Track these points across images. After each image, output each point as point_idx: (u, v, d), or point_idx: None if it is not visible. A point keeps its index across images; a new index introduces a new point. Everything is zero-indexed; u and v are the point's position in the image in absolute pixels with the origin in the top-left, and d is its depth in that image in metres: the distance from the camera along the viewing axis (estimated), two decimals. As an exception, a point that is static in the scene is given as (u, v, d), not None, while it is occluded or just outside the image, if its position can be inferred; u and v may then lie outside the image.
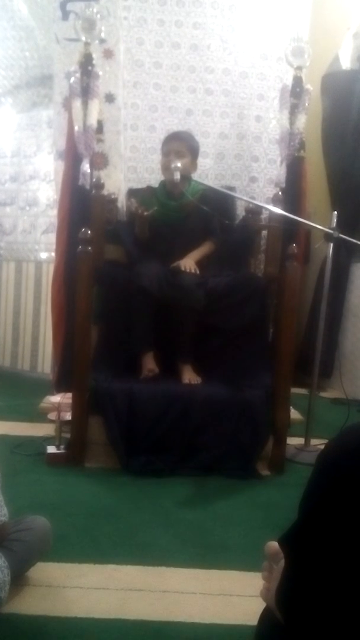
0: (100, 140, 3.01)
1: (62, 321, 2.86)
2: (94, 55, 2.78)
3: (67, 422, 2.41)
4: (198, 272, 2.58)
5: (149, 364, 2.48)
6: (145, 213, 2.57)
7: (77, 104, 2.76)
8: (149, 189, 2.90)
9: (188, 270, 2.55)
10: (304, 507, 0.64)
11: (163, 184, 2.80)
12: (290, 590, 0.65)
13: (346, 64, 3.75)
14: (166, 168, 2.66)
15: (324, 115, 3.81)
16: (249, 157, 3.34)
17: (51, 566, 1.57)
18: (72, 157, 2.83)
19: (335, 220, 2.59)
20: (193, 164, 2.75)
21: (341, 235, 2.50)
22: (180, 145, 2.70)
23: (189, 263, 2.58)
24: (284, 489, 2.21)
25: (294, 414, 2.81)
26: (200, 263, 2.64)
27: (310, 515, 0.63)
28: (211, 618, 1.41)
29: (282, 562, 0.70)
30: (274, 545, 0.73)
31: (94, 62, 2.78)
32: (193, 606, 1.46)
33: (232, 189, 3.16)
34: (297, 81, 2.90)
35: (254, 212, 3.02)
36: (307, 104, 2.91)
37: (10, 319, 3.88)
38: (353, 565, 0.58)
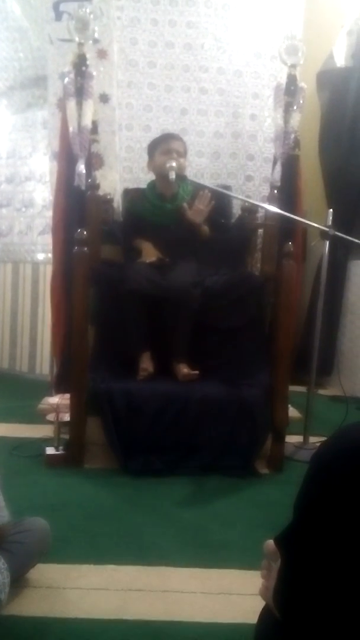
0: (95, 141, 3.01)
1: (61, 322, 2.86)
2: (87, 56, 2.78)
3: (66, 423, 2.40)
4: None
5: (144, 363, 2.47)
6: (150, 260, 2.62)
7: (71, 104, 2.76)
8: (137, 191, 2.90)
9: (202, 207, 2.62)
10: (299, 507, 0.64)
11: (153, 184, 2.79)
12: (286, 589, 0.65)
13: (340, 61, 3.75)
14: (164, 167, 2.63)
15: (322, 112, 3.81)
16: (245, 156, 3.34)
17: (51, 567, 1.57)
18: (66, 158, 2.82)
19: (330, 218, 2.59)
20: (185, 165, 2.78)
21: (337, 233, 2.50)
22: (180, 145, 2.73)
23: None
24: (283, 487, 2.21)
25: (293, 412, 2.81)
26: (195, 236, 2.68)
27: (305, 515, 0.63)
28: (211, 617, 1.41)
29: (280, 561, 0.70)
30: (272, 543, 0.73)
31: (88, 62, 2.78)
32: (193, 605, 1.46)
33: (227, 187, 3.15)
34: (291, 79, 2.91)
35: (250, 210, 3.02)
36: (301, 102, 2.91)
37: (7, 321, 3.87)
38: (348, 564, 0.58)
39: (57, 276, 2.87)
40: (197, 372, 2.47)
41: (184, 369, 2.48)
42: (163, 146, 2.72)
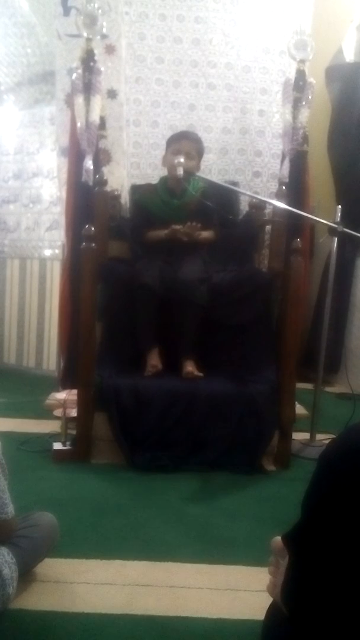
0: (102, 137, 3.00)
1: (68, 318, 2.86)
2: (95, 51, 2.78)
3: (73, 418, 2.41)
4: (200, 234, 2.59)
5: (153, 360, 2.48)
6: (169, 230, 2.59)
7: (79, 100, 2.76)
8: (149, 186, 2.89)
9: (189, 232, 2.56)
10: (307, 505, 0.64)
11: (164, 180, 2.78)
12: (294, 587, 0.65)
13: (350, 56, 3.72)
14: (173, 166, 2.61)
15: (331, 107, 3.79)
16: (252, 152, 3.33)
17: (58, 562, 1.58)
18: (75, 154, 2.82)
19: (339, 214, 2.58)
20: (198, 166, 2.73)
21: (345, 230, 2.49)
22: (191, 147, 2.67)
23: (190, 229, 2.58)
24: (290, 484, 2.21)
25: (300, 409, 2.81)
26: (198, 242, 2.63)
27: (313, 513, 0.63)
28: (218, 613, 1.42)
29: (287, 558, 0.70)
30: (280, 540, 0.73)
31: (96, 57, 2.78)
32: (200, 601, 1.46)
33: (235, 184, 3.15)
34: (300, 74, 2.89)
35: (258, 207, 3.01)
36: (310, 98, 2.90)
37: (15, 317, 3.89)
38: (355, 562, 0.58)
39: (65, 272, 2.88)
40: (201, 374, 2.47)
41: (189, 367, 2.48)
42: (174, 145, 2.67)
